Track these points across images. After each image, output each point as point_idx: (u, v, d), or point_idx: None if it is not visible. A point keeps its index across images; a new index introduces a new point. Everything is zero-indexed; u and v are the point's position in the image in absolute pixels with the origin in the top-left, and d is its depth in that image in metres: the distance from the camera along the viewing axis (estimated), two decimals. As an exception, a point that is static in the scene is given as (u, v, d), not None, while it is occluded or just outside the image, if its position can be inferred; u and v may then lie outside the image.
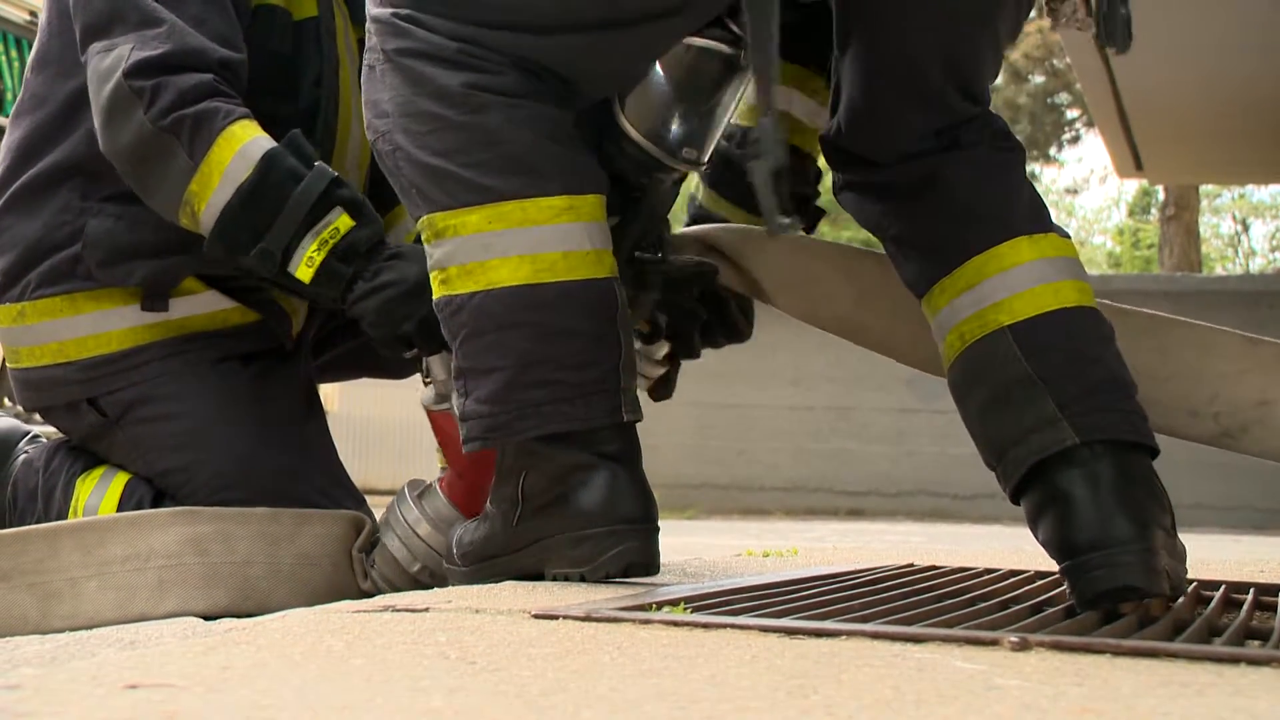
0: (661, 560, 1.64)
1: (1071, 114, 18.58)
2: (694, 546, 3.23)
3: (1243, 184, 20.53)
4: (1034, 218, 1.64)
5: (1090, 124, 16.14)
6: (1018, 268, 1.59)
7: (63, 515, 2.08)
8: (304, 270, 1.84)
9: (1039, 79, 18.00)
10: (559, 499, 1.59)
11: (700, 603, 1.33)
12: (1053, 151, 19.73)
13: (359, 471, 3.15)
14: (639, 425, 1.63)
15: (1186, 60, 6.69)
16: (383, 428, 10.26)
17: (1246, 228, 27.40)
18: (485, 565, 1.65)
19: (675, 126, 1.77)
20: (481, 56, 1.59)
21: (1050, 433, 1.51)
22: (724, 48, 1.74)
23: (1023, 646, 1.09)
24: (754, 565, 2.19)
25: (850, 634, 1.15)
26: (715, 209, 2.07)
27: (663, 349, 2.01)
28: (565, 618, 1.22)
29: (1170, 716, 0.83)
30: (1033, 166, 18.71)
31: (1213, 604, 1.55)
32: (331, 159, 2.11)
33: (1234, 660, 1.06)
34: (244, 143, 1.85)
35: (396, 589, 1.86)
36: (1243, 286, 9.90)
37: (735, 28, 1.74)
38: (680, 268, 1.94)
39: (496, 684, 0.89)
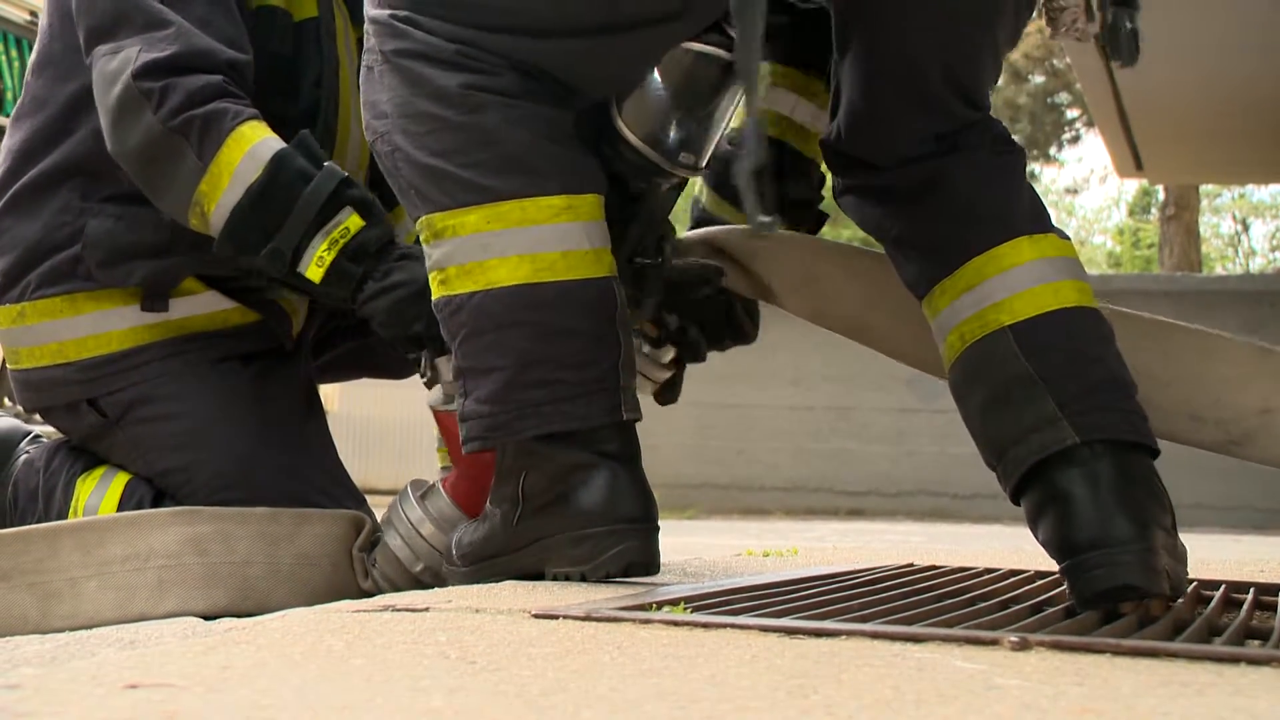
0: (661, 560, 1.64)
1: (1071, 114, 18.58)
2: (694, 546, 3.23)
3: (1243, 184, 20.53)
4: (1034, 219, 1.64)
5: (1090, 124, 16.15)
6: (1018, 268, 1.59)
7: (63, 515, 2.08)
8: (314, 270, 1.84)
9: (1039, 79, 18.01)
10: (559, 498, 1.59)
11: (700, 602, 1.33)
12: (1053, 151, 19.73)
13: (359, 471, 3.15)
14: (639, 425, 1.63)
15: (1186, 60, 6.69)
16: (383, 428, 10.27)
17: (1246, 227, 27.41)
18: (485, 565, 1.65)
19: (673, 131, 1.77)
20: (479, 58, 1.59)
21: (1050, 432, 1.51)
22: (722, 53, 1.74)
23: (1023, 646, 1.09)
24: (754, 565, 2.19)
25: (850, 634, 1.15)
26: (718, 211, 2.07)
27: (669, 353, 2.01)
28: (565, 617, 1.22)
29: (1170, 716, 0.83)
30: (1033, 166, 18.71)
31: (1213, 604, 1.55)
32: (331, 159, 2.11)
33: (1234, 660, 1.06)
34: (253, 143, 1.85)
35: (398, 589, 1.86)
36: (1243, 286, 9.89)
37: (733, 32, 1.74)
38: (686, 271, 1.94)
39: (496, 684, 0.89)
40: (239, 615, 1.74)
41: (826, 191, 2.08)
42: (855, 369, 9.39)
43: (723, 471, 9.83)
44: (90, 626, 1.83)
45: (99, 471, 2.11)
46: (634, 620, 1.20)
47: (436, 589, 1.59)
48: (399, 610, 1.26)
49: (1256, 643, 1.32)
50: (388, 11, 1.63)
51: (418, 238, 1.66)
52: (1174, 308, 8.95)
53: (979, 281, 1.60)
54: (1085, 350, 1.56)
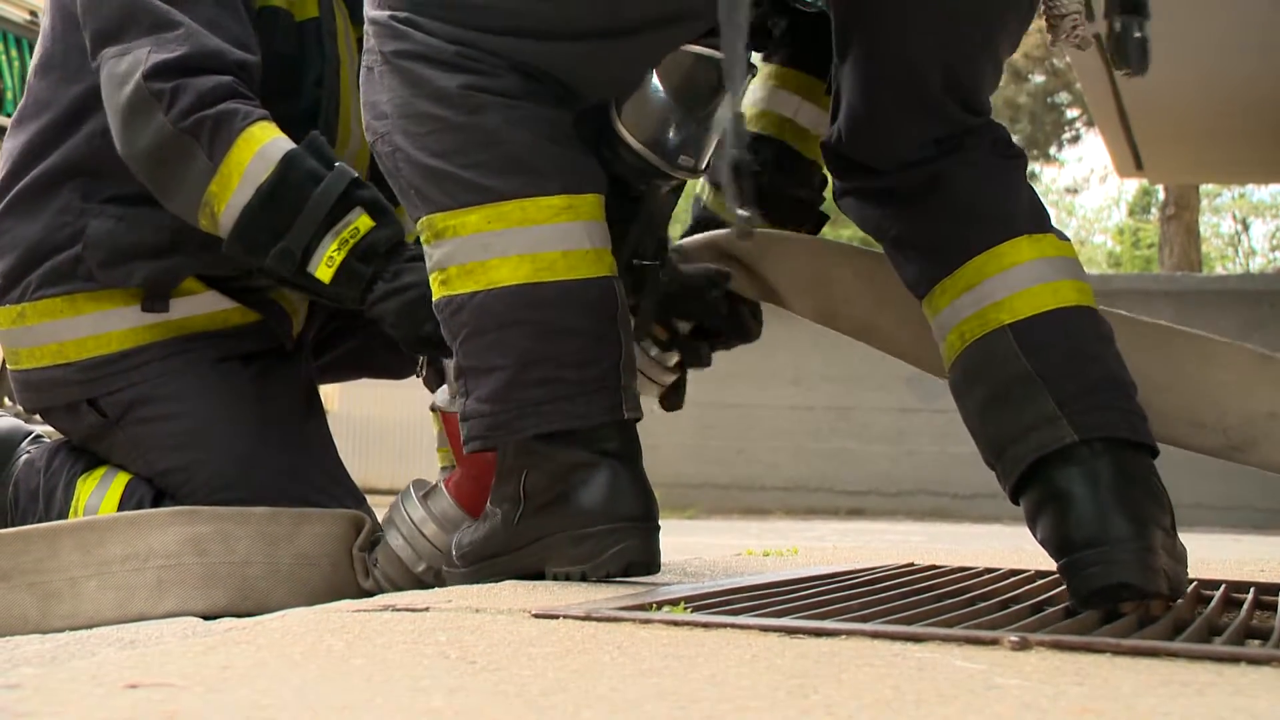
0: (662, 559, 1.64)
1: (1071, 114, 18.58)
2: (694, 546, 3.23)
3: (1243, 184, 20.54)
4: (1034, 219, 1.64)
5: (1090, 124, 16.14)
6: (1018, 267, 1.59)
7: (63, 515, 2.08)
8: (323, 270, 1.84)
9: (1039, 79, 18.00)
10: (560, 497, 1.59)
11: (700, 602, 1.33)
12: (1053, 151, 19.73)
13: (359, 471, 3.15)
14: (639, 425, 1.63)
15: (1186, 60, 6.68)
16: (383, 428, 10.26)
17: (1246, 227, 27.40)
18: (486, 565, 1.65)
19: (672, 134, 1.77)
20: (479, 59, 1.59)
21: (1049, 430, 1.51)
22: (721, 55, 1.74)
23: (1023, 646, 1.09)
24: (754, 565, 2.19)
25: (850, 634, 1.15)
26: (719, 210, 2.07)
27: (675, 356, 2.01)
28: (565, 617, 1.22)
29: (1170, 716, 0.83)
30: (1033, 166, 18.70)
31: (1213, 603, 1.55)
32: (335, 159, 2.11)
33: (1234, 659, 1.06)
34: (263, 144, 1.85)
35: (399, 589, 1.86)
36: (1243, 286, 9.90)
37: None
38: (694, 276, 1.94)
39: (497, 684, 0.89)
40: (238, 615, 1.74)
41: (827, 193, 2.09)
42: (855, 369, 9.40)
43: (723, 471, 9.83)
44: (90, 626, 1.83)
45: (99, 472, 2.11)
46: (634, 620, 1.20)
47: (437, 589, 1.60)
48: (399, 610, 1.26)
49: (1256, 642, 1.32)
50: (387, 13, 1.64)
51: (418, 238, 1.67)
52: (1174, 307, 8.96)
53: (979, 281, 1.60)
54: (1084, 349, 1.56)
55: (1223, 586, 1.70)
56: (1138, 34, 1.60)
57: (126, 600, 1.86)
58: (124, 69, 1.89)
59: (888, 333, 1.92)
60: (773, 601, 1.39)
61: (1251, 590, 1.69)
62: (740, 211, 1.39)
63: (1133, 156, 8.72)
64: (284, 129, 1.90)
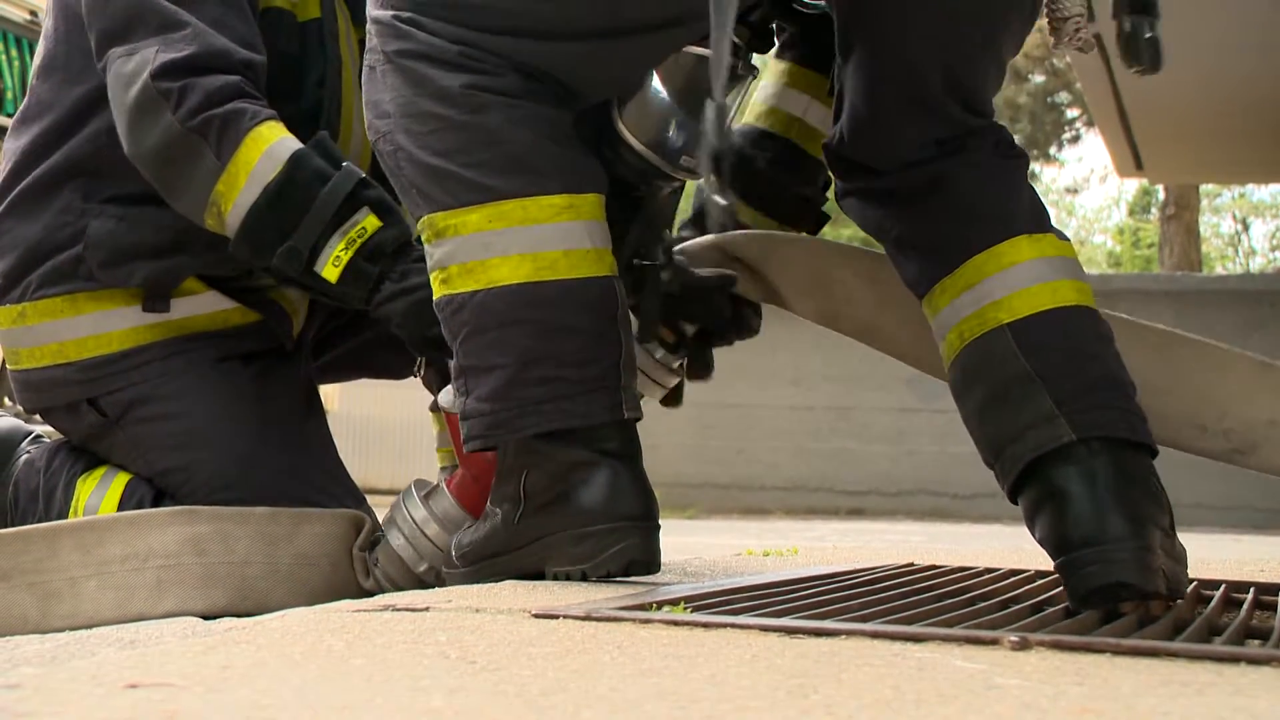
0: (662, 559, 1.64)
1: (1071, 114, 18.59)
2: (694, 546, 3.23)
3: (1243, 183, 20.54)
4: (1035, 219, 1.64)
5: (1090, 124, 16.15)
6: (1017, 266, 1.59)
7: (63, 515, 2.08)
8: (330, 270, 1.84)
9: (1039, 79, 18.01)
10: (560, 497, 1.59)
11: (700, 602, 1.33)
12: (1053, 151, 19.74)
13: (359, 471, 3.15)
14: (639, 424, 1.63)
15: (1186, 60, 6.68)
16: (383, 428, 10.27)
17: (1246, 227, 27.41)
18: (486, 564, 1.65)
19: (674, 135, 1.77)
20: (482, 59, 1.60)
21: (1047, 429, 1.51)
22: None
23: (1023, 646, 1.09)
24: (754, 565, 2.19)
25: (850, 633, 1.15)
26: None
27: (679, 359, 2.02)
28: (565, 617, 1.22)
29: (1170, 716, 0.83)
30: (1033, 166, 18.68)
31: (1213, 603, 1.55)
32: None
33: (1234, 659, 1.06)
34: (271, 143, 1.85)
35: (400, 588, 1.86)
36: (1243, 286, 9.90)
37: (734, 37, 1.75)
38: (704, 279, 1.95)
39: (497, 683, 0.89)
40: (238, 615, 1.74)
41: (828, 192, 2.10)
42: (855, 369, 9.40)
43: (723, 471, 9.83)
44: (89, 626, 1.83)
45: (99, 472, 2.11)
46: (634, 620, 1.20)
47: (437, 589, 1.59)
48: (399, 610, 1.26)
49: (1256, 642, 1.32)
50: (390, 12, 1.64)
51: (418, 237, 1.67)
52: (1174, 307, 8.96)
53: (979, 280, 1.60)
54: (1083, 349, 1.56)
55: (1223, 586, 1.70)
56: (1149, 34, 1.59)
57: (126, 600, 1.86)
58: (131, 68, 1.89)
59: (889, 334, 1.92)
60: (773, 601, 1.39)
61: (1251, 590, 1.69)
62: (717, 199, 1.40)
63: (1133, 156, 8.72)
64: (288, 129, 1.90)
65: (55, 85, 2.09)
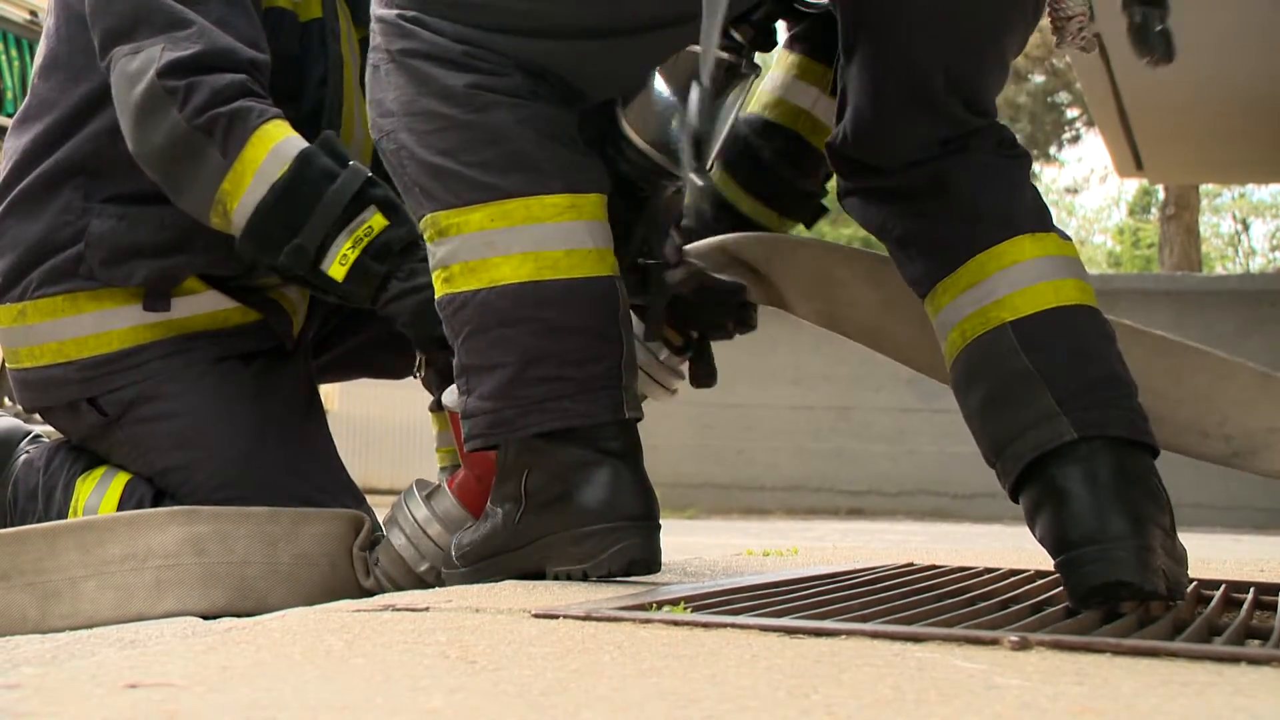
0: (662, 559, 1.64)
1: (1071, 114, 18.58)
2: (694, 546, 3.23)
3: (1243, 184, 20.53)
4: (1037, 218, 1.64)
5: (1090, 124, 16.15)
6: (1020, 264, 1.59)
7: (63, 515, 2.08)
8: (337, 268, 1.84)
9: (1039, 79, 18.00)
10: (561, 496, 1.59)
11: (700, 602, 1.33)
12: (1053, 151, 19.73)
13: (359, 471, 3.16)
14: (639, 424, 1.63)
15: (1186, 60, 6.67)
16: (383, 428, 10.27)
17: (1246, 227, 27.41)
18: (486, 564, 1.65)
19: (677, 133, 1.77)
20: (486, 58, 1.60)
21: (1049, 428, 1.51)
22: (726, 55, 1.74)
23: (1023, 646, 1.09)
24: (754, 565, 2.19)
25: (850, 633, 1.15)
26: (723, 188, 2.08)
27: (684, 361, 2.02)
28: (565, 617, 1.22)
29: (1170, 716, 0.83)
30: (1033, 166, 18.70)
31: (1213, 603, 1.55)
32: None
33: (1234, 659, 1.06)
34: (277, 141, 1.85)
35: (400, 588, 1.86)
36: (1243, 286, 9.89)
37: (737, 35, 1.75)
38: (722, 285, 1.95)
39: (497, 684, 0.89)
40: (238, 615, 1.74)
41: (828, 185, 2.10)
42: (855, 369, 9.40)
43: (723, 471, 9.83)
44: (89, 626, 1.83)
45: (99, 471, 2.11)
46: (634, 620, 1.20)
47: (437, 589, 1.59)
48: (399, 610, 1.26)
49: (1256, 642, 1.32)
50: (395, 11, 1.64)
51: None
52: (1174, 307, 8.96)
53: (981, 278, 1.60)
54: (1085, 348, 1.56)
55: (1223, 586, 1.70)
56: (1159, 27, 1.59)
57: (125, 600, 1.86)
58: (136, 67, 1.89)
59: (891, 337, 1.92)
60: (773, 601, 1.39)
61: (1251, 590, 1.69)
62: (694, 177, 1.41)
63: (1133, 156, 8.72)
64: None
65: (56, 84, 2.09)
